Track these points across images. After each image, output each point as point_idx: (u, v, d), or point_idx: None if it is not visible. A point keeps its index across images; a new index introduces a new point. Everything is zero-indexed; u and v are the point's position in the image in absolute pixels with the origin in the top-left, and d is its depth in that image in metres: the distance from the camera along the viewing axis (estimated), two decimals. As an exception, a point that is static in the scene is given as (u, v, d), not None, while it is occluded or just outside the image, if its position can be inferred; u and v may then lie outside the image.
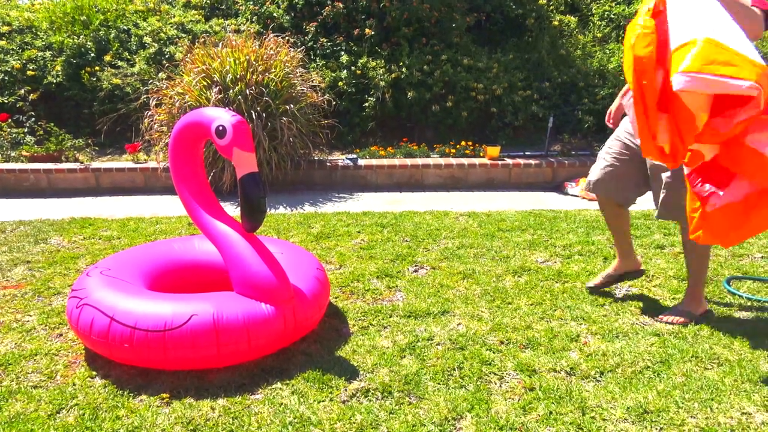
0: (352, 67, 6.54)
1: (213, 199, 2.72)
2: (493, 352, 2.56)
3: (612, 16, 7.84)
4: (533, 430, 2.06)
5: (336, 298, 3.15)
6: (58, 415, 2.12)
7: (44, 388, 2.28)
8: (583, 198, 5.46)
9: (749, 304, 3.11)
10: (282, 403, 2.19)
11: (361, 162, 5.83)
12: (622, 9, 7.86)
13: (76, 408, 2.16)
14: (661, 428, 2.08)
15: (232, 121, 2.45)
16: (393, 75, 6.47)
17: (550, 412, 2.14)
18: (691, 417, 2.14)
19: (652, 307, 3.05)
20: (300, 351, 2.56)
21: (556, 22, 7.60)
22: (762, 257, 3.80)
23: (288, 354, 2.53)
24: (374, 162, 5.84)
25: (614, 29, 7.79)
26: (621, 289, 3.30)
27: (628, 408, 2.17)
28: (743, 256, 3.82)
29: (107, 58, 6.60)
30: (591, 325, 2.84)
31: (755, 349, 2.61)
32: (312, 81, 5.86)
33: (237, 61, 5.20)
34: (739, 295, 3.19)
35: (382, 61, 6.59)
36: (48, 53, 6.63)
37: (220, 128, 2.45)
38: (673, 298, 3.17)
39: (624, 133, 3.00)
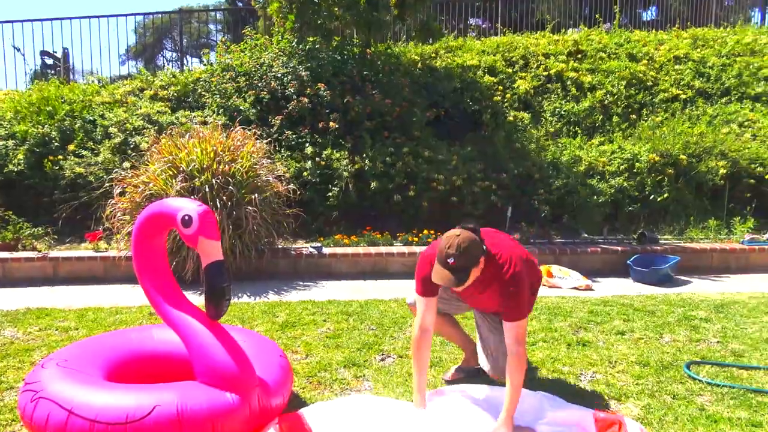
0: (317, 158, 6.71)
1: (176, 289, 2.70)
2: (463, 441, 2.53)
3: (562, 113, 8.31)
4: None
5: (303, 388, 3.10)
6: None
7: (-7, 489, 2.15)
8: (544, 285, 5.57)
9: (709, 388, 3.17)
10: (248, 500, 2.11)
11: (326, 250, 5.87)
12: (571, 106, 8.35)
13: None
14: None
15: (199, 211, 2.49)
16: (356, 166, 6.65)
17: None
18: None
19: (616, 393, 3.08)
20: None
21: (511, 118, 8.02)
22: (717, 342, 3.92)
23: (254, 447, 2.45)
24: (339, 250, 5.89)
25: (565, 124, 8.23)
26: (585, 375, 3.34)
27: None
28: (700, 341, 3.93)
29: (71, 147, 6.62)
30: (558, 412, 2.84)
31: (718, 433, 2.65)
32: (277, 171, 5.97)
33: (204, 152, 5.29)
34: (699, 380, 3.25)
35: (346, 152, 6.78)
36: (11, 142, 6.62)
37: (186, 218, 2.48)
38: (636, 383, 3.22)
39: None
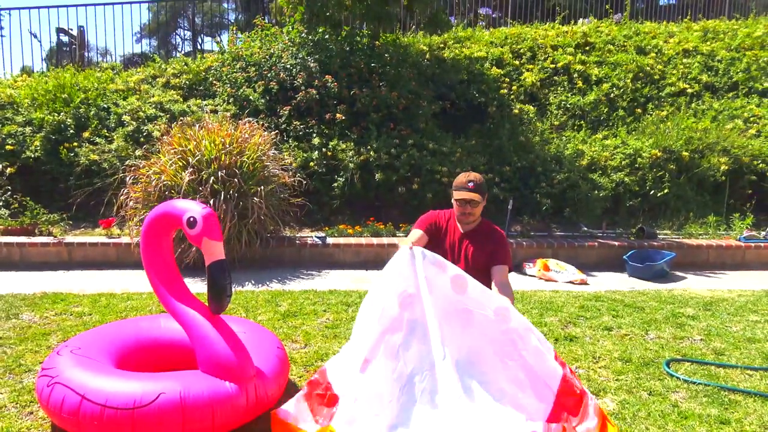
0: (323, 149, 6.88)
1: (181, 283, 2.89)
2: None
3: (568, 106, 8.40)
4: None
5: (300, 377, 3.30)
6: (25, 492, 2.21)
7: (14, 466, 2.37)
8: (540, 278, 5.74)
9: (686, 385, 3.33)
10: (243, 481, 2.31)
11: (330, 240, 6.06)
12: (577, 99, 8.43)
13: (44, 485, 2.25)
14: (595, 505, 2.25)
15: (203, 213, 2.67)
16: (362, 157, 6.81)
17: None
18: (623, 494, 2.32)
19: (595, 388, 3.25)
20: (261, 430, 2.68)
21: (517, 111, 8.12)
22: (701, 340, 4.07)
23: (250, 432, 2.66)
24: (342, 240, 6.08)
25: (570, 117, 8.33)
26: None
27: (566, 486, 2.34)
28: (684, 338, 4.08)
29: (86, 134, 6.84)
30: (538, 405, 3.02)
31: (687, 429, 2.82)
32: (284, 161, 6.15)
33: (212, 144, 5.47)
34: (677, 377, 3.42)
35: (352, 143, 6.94)
36: (28, 129, 6.84)
37: (191, 219, 2.66)
38: (616, 379, 3.39)
39: None
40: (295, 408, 2.65)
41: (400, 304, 2.69)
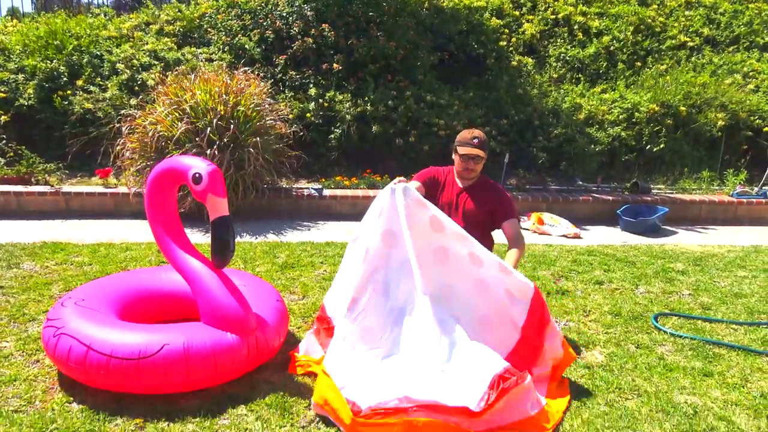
0: (320, 100, 6.82)
1: (184, 237, 2.94)
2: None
3: (567, 58, 8.31)
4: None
5: (298, 328, 3.39)
6: (37, 437, 2.30)
7: (25, 412, 2.45)
8: (534, 232, 5.81)
9: (672, 339, 3.44)
10: (247, 428, 2.41)
11: (326, 192, 6.09)
12: (577, 52, 8.34)
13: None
14: (581, 452, 2.37)
15: (208, 170, 2.69)
16: (359, 109, 6.77)
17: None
18: (608, 442, 2.44)
19: (584, 341, 3.36)
20: (263, 380, 2.78)
21: (515, 63, 8.04)
22: (689, 294, 4.18)
23: (252, 382, 2.75)
24: (338, 192, 6.11)
25: (569, 70, 8.25)
26: (559, 323, 3.61)
27: (554, 434, 2.46)
28: (673, 293, 4.19)
29: (79, 82, 6.75)
30: (529, 357, 3.12)
31: (671, 381, 2.94)
32: (281, 111, 6.11)
33: (208, 94, 5.42)
34: (664, 331, 3.53)
35: (349, 95, 6.89)
36: (21, 76, 6.74)
37: (197, 175, 2.68)
38: (605, 332, 3.50)
39: None
40: (306, 343, 3.05)
41: (385, 242, 2.82)
